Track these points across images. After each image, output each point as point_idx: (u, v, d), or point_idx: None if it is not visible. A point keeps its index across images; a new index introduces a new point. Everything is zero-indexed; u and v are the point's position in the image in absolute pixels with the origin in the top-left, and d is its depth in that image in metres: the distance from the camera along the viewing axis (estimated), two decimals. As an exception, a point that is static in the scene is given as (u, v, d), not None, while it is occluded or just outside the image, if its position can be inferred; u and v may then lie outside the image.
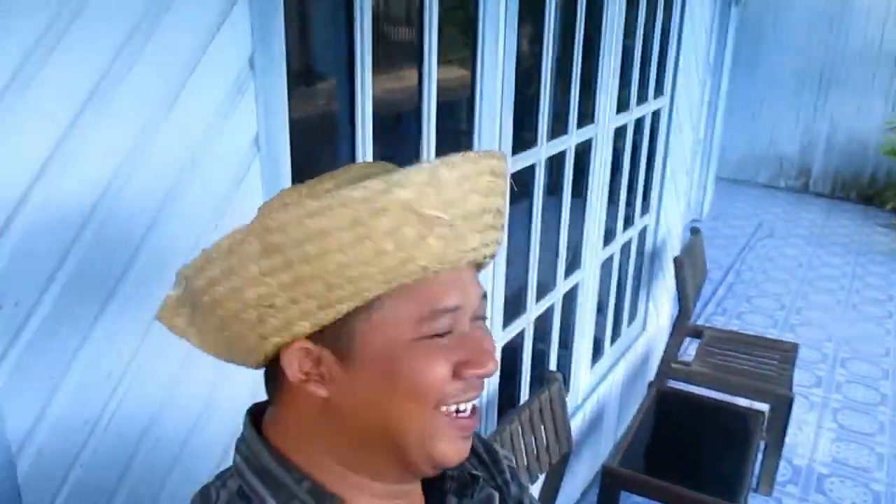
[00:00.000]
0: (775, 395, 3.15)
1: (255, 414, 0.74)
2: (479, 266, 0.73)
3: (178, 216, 1.05)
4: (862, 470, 3.47)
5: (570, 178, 2.52)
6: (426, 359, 0.65)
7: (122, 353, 1.03)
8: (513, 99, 1.95)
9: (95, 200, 0.95)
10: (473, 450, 0.84)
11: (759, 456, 3.01)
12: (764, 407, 3.11)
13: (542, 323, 2.56)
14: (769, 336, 4.16)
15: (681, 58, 3.31)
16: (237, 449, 0.72)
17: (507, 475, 0.86)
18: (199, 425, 1.17)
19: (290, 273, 0.62)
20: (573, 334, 2.83)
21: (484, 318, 0.72)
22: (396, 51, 1.69)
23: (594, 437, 3.12)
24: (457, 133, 1.99)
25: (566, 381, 2.83)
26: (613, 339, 3.30)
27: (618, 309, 3.30)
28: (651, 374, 3.71)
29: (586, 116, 2.55)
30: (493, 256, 0.73)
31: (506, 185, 0.71)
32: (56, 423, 0.96)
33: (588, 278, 2.81)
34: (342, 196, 0.60)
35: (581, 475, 3.06)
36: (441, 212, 0.62)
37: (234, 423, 1.24)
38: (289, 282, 0.62)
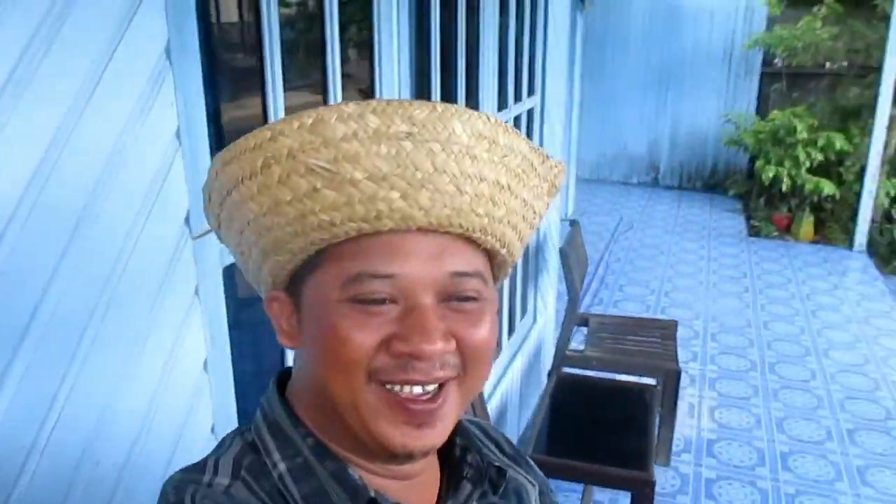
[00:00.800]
0: (664, 369, 3.34)
1: (286, 374, 0.75)
2: (475, 239, 0.65)
3: (103, 216, 0.98)
4: (744, 431, 3.73)
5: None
6: (349, 322, 0.62)
7: (54, 373, 0.94)
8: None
9: (16, 200, 0.86)
10: (496, 443, 0.85)
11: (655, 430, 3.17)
12: (655, 383, 3.29)
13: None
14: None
15: (547, 58, 3.46)
16: (260, 405, 0.72)
17: (537, 474, 0.86)
18: (139, 446, 1.09)
19: (229, 222, 0.67)
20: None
21: (463, 298, 0.64)
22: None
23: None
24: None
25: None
26: (510, 334, 3.38)
27: (511, 304, 3.39)
28: (544, 365, 3.82)
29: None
30: (492, 233, 0.65)
31: (499, 151, 0.64)
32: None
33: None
34: (239, 144, 0.62)
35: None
36: (329, 164, 0.59)
37: (172, 441, 1.18)
38: (235, 230, 0.67)
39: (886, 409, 3.95)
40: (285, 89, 1.41)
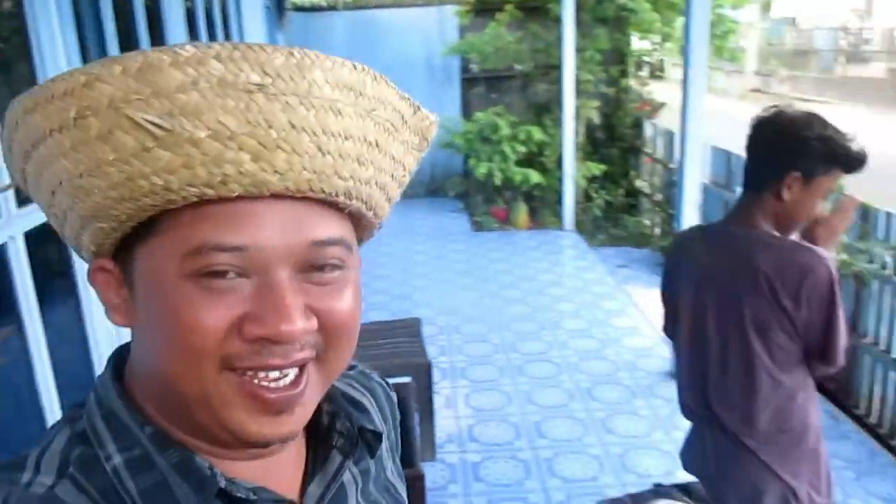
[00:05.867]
0: (414, 365, 3.32)
1: (125, 351, 0.64)
2: (339, 204, 0.57)
3: None
4: (498, 410, 3.85)
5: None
6: (192, 303, 0.53)
7: None
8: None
9: None
10: (372, 392, 0.77)
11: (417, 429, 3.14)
12: (409, 381, 3.26)
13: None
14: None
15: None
16: (93, 388, 0.62)
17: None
18: None
19: (37, 179, 0.56)
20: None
21: (323, 267, 0.56)
22: None
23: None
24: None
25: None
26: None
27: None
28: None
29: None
30: (358, 196, 0.57)
31: (369, 103, 0.55)
32: None
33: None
34: (45, 89, 0.51)
35: None
36: (161, 119, 0.50)
37: None
38: (45, 190, 0.57)
39: (615, 364, 4.33)
40: None
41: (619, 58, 7.65)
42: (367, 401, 0.75)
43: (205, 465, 0.58)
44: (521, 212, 7.30)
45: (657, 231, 7.01)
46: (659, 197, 7.04)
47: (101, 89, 0.50)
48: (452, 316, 5.17)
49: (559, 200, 7.17)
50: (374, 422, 0.73)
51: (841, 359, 1.71)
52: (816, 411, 1.83)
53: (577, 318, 5.03)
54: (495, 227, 7.33)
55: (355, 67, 0.54)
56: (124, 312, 0.59)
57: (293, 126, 0.52)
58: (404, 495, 0.78)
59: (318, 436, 0.67)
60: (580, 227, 7.17)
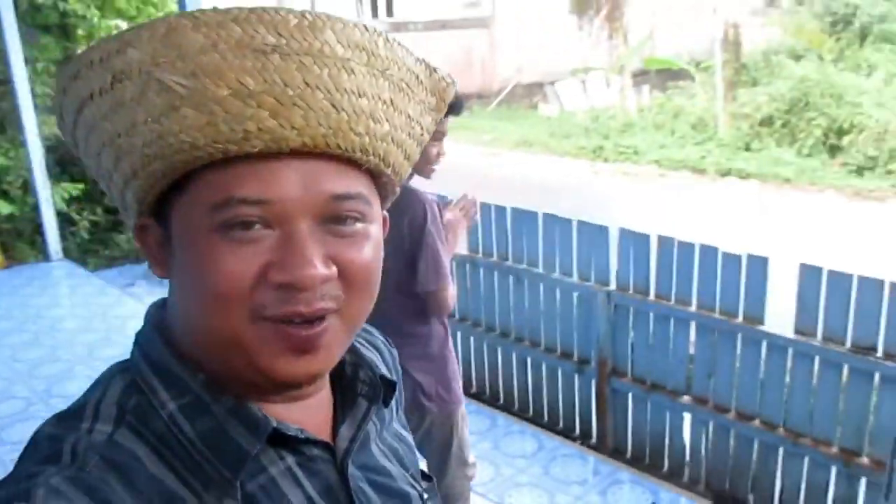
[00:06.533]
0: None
1: (161, 304, 0.68)
2: (356, 160, 0.60)
3: None
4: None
5: None
6: (220, 252, 0.57)
7: None
8: None
9: None
10: (378, 350, 0.81)
11: None
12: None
13: None
14: None
15: None
16: (136, 342, 0.66)
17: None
18: None
19: (86, 142, 0.61)
20: None
21: (343, 219, 0.59)
22: None
23: None
24: None
25: None
26: None
27: None
28: None
29: None
30: (375, 153, 0.60)
31: (382, 61, 0.59)
32: None
33: None
34: (83, 56, 0.57)
35: None
36: (186, 79, 0.54)
37: None
38: (93, 152, 0.61)
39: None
40: None
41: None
42: (375, 356, 0.79)
43: (255, 408, 0.61)
44: (-7, 250, 6.31)
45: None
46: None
47: (132, 54, 0.55)
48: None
49: (37, 230, 6.41)
50: (388, 373, 0.77)
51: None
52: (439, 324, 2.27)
53: (112, 345, 4.68)
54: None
55: (366, 29, 0.58)
56: (164, 266, 0.63)
57: (307, 84, 0.55)
58: (412, 442, 0.84)
59: (343, 385, 0.72)
60: (68, 254, 6.55)
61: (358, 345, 0.77)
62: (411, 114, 0.63)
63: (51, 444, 0.58)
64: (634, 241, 3.47)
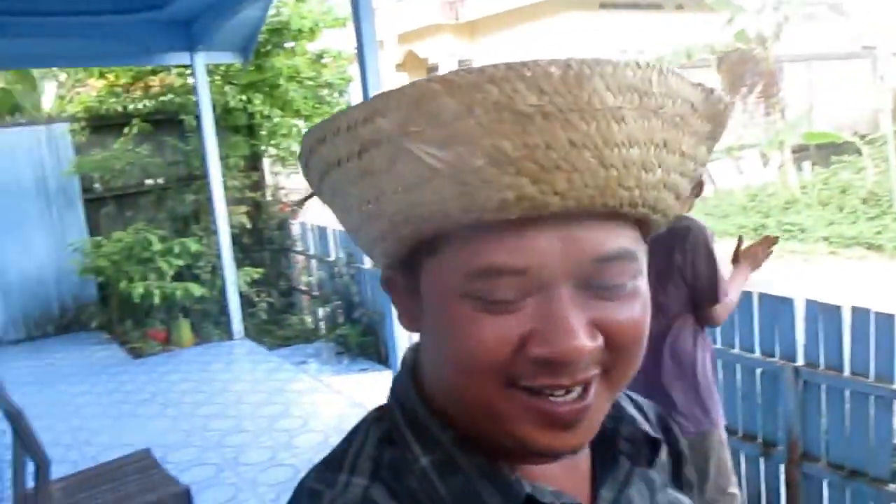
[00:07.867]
0: (172, 494, 2.98)
1: (415, 352, 0.66)
2: (623, 213, 0.54)
3: None
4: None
5: None
6: (475, 320, 0.53)
7: None
8: None
9: None
10: (640, 409, 0.74)
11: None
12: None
13: None
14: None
15: None
16: (392, 390, 0.66)
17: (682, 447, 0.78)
18: None
19: (332, 199, 0.61)
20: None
21: (609, 287, 0.54)
22: None
23: None
24: None
25: None
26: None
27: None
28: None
29: None
30: (644, 203, 0.54)
31: (648, 99, 0.52)
32: None
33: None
34: (330, 124, 0.55)
35: None
36: (439, 149, 0.49)
37: None
38: (339, 209, 0.61)
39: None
40: None
41: (255, 162, 7.84)
42: (636, 412, 0.72)
43: (508, 470, 0.58)
44: (185, 329, 6.89)
45: (321, 325, 7.21)
46: (317, 292, 7.30)
47: (380, 123, 0.51)
48: (156, 449, 4.65)
49: (222, 310, 6.96)
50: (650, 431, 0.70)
51: None
52: None
53: (290, 418, 4.93)
54: (158, 350, 6.77)
55: (639, 66, 0.52)
56: (412, 318, 0.61)
57: (573, 144, 0.50)
58: None
59: (602, 439, 0.65)
60: (247, 333, 7.03)
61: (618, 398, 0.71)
62: (685, 150, 0.56)
63: (311, 501, 0.58)
64: (824, 313, 3.28)
